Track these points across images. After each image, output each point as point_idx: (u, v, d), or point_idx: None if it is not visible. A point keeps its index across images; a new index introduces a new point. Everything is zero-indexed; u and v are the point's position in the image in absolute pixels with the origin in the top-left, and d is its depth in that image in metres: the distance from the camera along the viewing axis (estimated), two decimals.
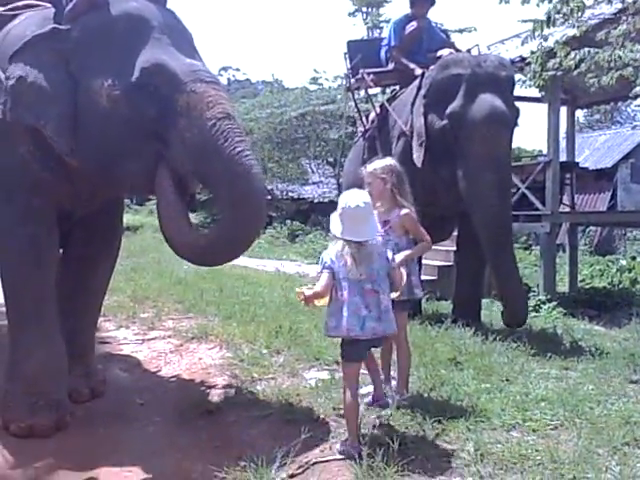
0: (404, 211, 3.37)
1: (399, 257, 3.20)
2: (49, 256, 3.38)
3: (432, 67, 5.46)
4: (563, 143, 10.73)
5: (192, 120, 2.94)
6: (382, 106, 6.34)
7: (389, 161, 3.49)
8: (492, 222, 4.82)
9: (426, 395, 3.38)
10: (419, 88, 5.39)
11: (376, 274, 2.84)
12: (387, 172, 3.36)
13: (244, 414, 3.33)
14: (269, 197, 20.66)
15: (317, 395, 3.40)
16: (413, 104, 5.39)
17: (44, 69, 3.07)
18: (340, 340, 2.93)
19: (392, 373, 3.57)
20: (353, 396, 2.83)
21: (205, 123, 2.94)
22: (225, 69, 46.39)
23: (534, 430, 2.96)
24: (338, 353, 4.08)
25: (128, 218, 19.78)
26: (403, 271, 3.14)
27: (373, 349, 3.12)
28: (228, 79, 45.54)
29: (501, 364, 4.01)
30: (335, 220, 2.87)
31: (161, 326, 5.40)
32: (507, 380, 3.70)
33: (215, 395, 3.68)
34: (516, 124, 5.09)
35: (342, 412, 3.02)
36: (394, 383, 3.48)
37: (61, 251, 3.70)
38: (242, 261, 10.80)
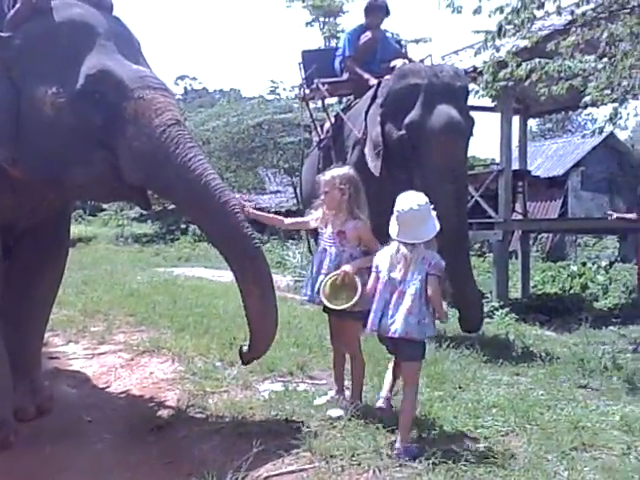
0: (360, 222, 3.34)
1: (353, 265, 3.21)
2: None
3: (387, 77, 5.49)
4: (516, 152, 10.95)
5: (140, 128, 2.90)
6: (337, 116, 6.35)
7: (347, 170, 3.43)
8: (449, 230, 4.83)
9: None
10: (374, 97, 5.41)
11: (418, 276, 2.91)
12: (345, 182, 3.32)
13: (195, 429, 3.26)
14: None
15: (270, 408, 3.35)
16: (367, 113, 5.41)
17: None
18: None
19: (346, 383, 3.55)
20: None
21: (154, 130, 2.89)
22: (182, 78, 46.09)
23: (486, 437, 2.97)
24: (292, 364, 4.10)
25: (81, 229, 19.46)
26: (357, 280, 3.16)
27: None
28: (185, 88, 45.25)
29: (454, 371, 4.04)
30: (392, 223, 3.00)
31: (112, 340, 5.27)
32: (460, 387, 3.73)
33: (166, 410, 3.60)
34: (471, 134, 5.15)
35: (295, 425, 3.06)
36: (348, 393, 3.46)
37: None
38: (197, 272, 10.70)
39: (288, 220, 3.73)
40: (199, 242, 17.17)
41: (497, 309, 7.35)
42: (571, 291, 10.01)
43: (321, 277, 3.29)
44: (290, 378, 3.91)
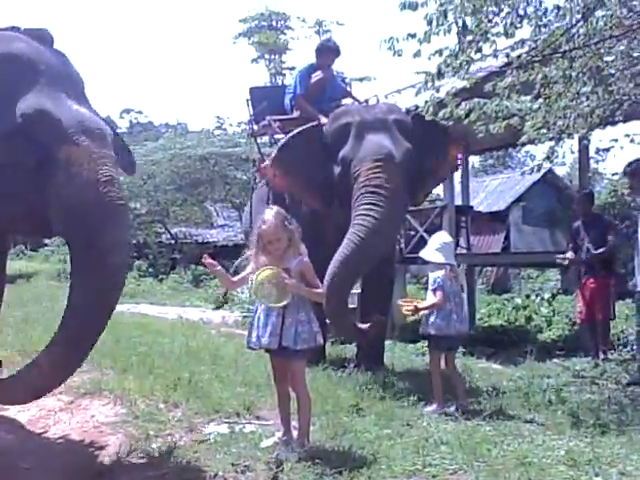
0: (305, 258, 3.38)
1: (293, 287, 3.22)
2: None
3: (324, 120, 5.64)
4: (458, 187, 11.20)
5: (70, 177, 2.79)
6: None
7: (279, 211, 3.44)
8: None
9: (327, 444, 3.33)
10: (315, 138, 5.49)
11: (459, 290, 4.44)
12: (289, 222, 3.36)
13: (137, 475, 3.14)
14: (173, 241, 20.37)
15: (215, 451, 3.27)
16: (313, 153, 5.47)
17: None
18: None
19: (293, 423, 3.49)
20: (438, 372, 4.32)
21: (83, 184, 2.77)
22: (127, 111, 45.51)
23: (434, 476, 2.97)
24: (239, 404, 4.03)
25: (21, 265, 18.83)
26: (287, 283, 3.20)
27: None
28: (130, 121, 44.72)
29: (403, 408, 4.06)
30: (434, 253, 4.31)
31: None
32: (408, 424, 3.73)
33: (107, 456, 3.45)
34: (408, 162, 5.14)
35: (244, 466, 3.06)
36: (295, 433, 3.41)
37: None
38: (143, 308, 10.47)
39: (236, 278, 3.66)
40: (144, 277, 16.86)
41: None
42: (516, 323, 10.17)
43: (271, 319, 3.27)
44: (237, 419, 3.84)
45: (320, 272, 5.32)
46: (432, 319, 4.26)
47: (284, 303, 3.22)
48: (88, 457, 3.46)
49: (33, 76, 2.95)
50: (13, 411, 4.45)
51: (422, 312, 4.33)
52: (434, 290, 4.25)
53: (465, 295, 10.77)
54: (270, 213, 3.39)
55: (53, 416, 4.28)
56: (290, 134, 5.60)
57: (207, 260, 3.38)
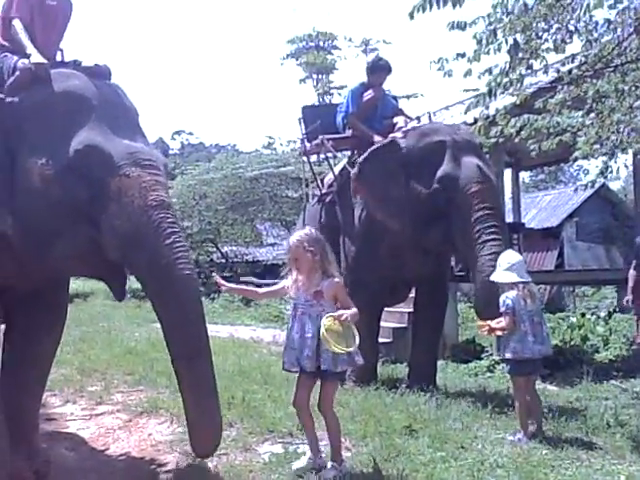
0: (336, 279, 3.39)
1: (346, 313, 3.23)
2: None
3: (392, 135, 5.67)
4: (510, 204, 11.07)
5: (122, 206, 2.87)
6: (343, 171, 6.41)
7: (312, 231, 3.50)
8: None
9: (381, 466, 3.32)
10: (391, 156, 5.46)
11: (539, 309, 4.20)
12: (313, 243, 3.36)
13: None
14: (224, 260, 20.65)
15: (270, 471, 3.31)
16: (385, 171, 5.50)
17: None
18: None
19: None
20: (531, 396, 4.13)
21: (135, 210, 2.86)
22: (178, 133, 46.68)
23: None
24: (292, 424, 4.05)
25: (78, 284, 19.26)
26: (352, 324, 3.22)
27: None
28: (182, 143, 45.80)
29: (456, 430, 4.00)
30: (503, 274, 4.11)
31: (109, 400, 5.21)
32: (462, 447, 3.69)
33: (165, 473, 3.54)
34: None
35: None
36: (324, 454, 3.42)
37: (3, 326, 3.58)
38: None
39: (262, 290, 3.73)
40: None
41: (498, 363, 7.29)
42: (571, 342, 9.94)
43: (307, 341, 3.28)
44: (290, 439, 3.86)
45: (370, 286, 5.48)
46: (508, 342, 4.10)
47: (357, 344, 3.23)
48: (147, 475, 3.54)
49: (86, 112, 3.05)
50: (73, 428, 4.60)
51: (497, 333, 4.17)
52: (503, 313, 4.08)
53: None
54: (296, 234, 3.46)
55: (112, 434, 4.40)
56: (371, 149, 5.58)
57: (218, 280, 3.40)
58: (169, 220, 2.91)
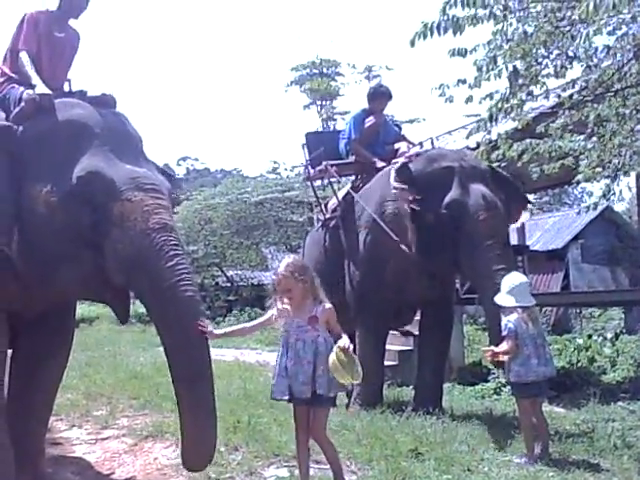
0: (327, 305, 3.39)
1: (346, 342, 3.23)
2: None
3: (395, 160, 5.76)
4: (514, 226, 11.07)
5: (125, 230, 2.90)
6: (347, 196, 6.46)
7: (297, 259, 3.57)
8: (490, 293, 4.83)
9: None
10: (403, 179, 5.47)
11: (541, 331, 4.21)
12: (302, 272, 3.36)
13: None
14: (229, 284, 20.67)
15: None
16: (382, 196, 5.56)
17: None
18: None
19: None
20: (537, 418, 4.14)
21: (138, 234, 2.89)
22: (184, 159, 47.07)
23: None
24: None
25: (84, 309, 19.31)
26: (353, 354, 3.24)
27: None
28: (187, 168, 46.15)
29: (463, 453, 3.99)
30: (505, 297, 4.13)
31: (115, 424, 5.22)
32: (469, 470, 3.68)
33: None
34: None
35: None
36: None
37: (10, 351, 3.60)
38: None
39: (250, 324, 3.68)
40: None
41: (504, 385, 7.26)
42: (578, 364, 9.89)
43: (301, 367, 3.25)
44: (295, 463, 3.84)
45: (375, 309, 5.56)
46: (511, 365, 4.11)
47: (361, 375, 3.23)
48: None
49: (88, 139, 3.11)
50: (79, 452, 4.61)
51: (500, 357, 4.17)
52: (505, 337, 4.10)
53: None
54: (283, 264, 3.40)
55: (118, 458, 4.41)
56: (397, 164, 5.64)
57: (205, 330, 3.08)
58: (171, 242, 2.92)
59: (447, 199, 5.18)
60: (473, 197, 5.12)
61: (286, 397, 3.33)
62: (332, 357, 3.18)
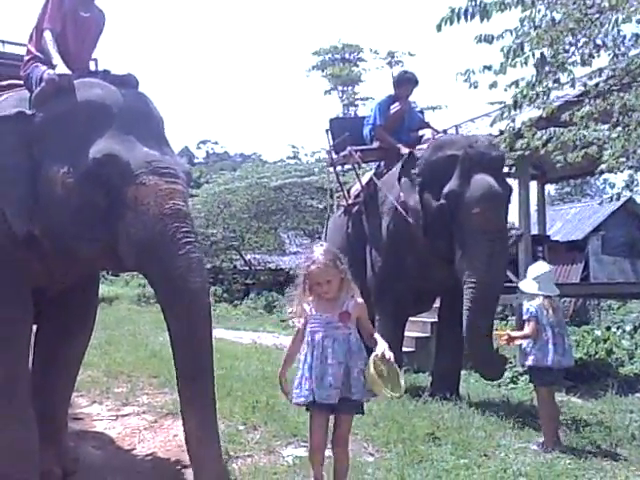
0: (359, 300, 3.05)
1: (383, 349, 2.95)
2: (23, 336, 3.32)
3: (419, 147, 5.73)
4: (535, 216, 11.01)
5: (138, 214, 2.87)
6: (370, 182, 6.48)
7: (329, 249, 3.08)
8: (480, 284, 5.02)
9: (404, 472, 3.35)
10: (404, 167, 5.58)
11: (561, 321, 4.22)
12: (341, 261, 3.02)
13: None
14: (247, 267, 20.80)
15: (294, 473, 3.36)
16: (400, 181, 5.58)
17: (7, 152, 3.08)
18: None
19: None
20: (551, 407, 4.19)
21: (150, 219, 2.85)
22: (204, 142, 47.22)
23: None
24: None
25: (103, 289, 19.58)
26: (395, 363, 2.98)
27: None
28: (207, 152, 46.28)
29: (479, 438, 4.01)
30: (529, 283, 4.24)
31: (135, 402, 5.30)
32: (485, 455, 3.70)
33: (190, 474, 3.57)
34: (509, 200, 5.37)
35: None
36: None
37: (35, 327, 3.67)
38: (218, 333, 10.70)
39: (293, 348, 3.18)
40: (219, 303, 17.23)
41: (521, 374, 7.26)
42: (596, 356, 9.85)
43: (330, 369, 2.90)
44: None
45: (396, 295, 5.64)
46: (529, 349, 4.18)
47: (403, 385, 2.97)
48: (173, 474, 3.61)
49: (106, 121, 3.06)
50: (100, 428, 4.69)
51: (516, 342, 4.32)
52: (526, 321, 4.20)
53: None
54: (319, 251, 3.01)
55: (138, 434, 4.47)
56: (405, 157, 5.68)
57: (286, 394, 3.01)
58: (184, 230, 2.89)
59: (446, 189, 5.17)
60: (471, 189, 5.07)
61: (311, 399, 2.94)
62: (370, 368, 2.84)
